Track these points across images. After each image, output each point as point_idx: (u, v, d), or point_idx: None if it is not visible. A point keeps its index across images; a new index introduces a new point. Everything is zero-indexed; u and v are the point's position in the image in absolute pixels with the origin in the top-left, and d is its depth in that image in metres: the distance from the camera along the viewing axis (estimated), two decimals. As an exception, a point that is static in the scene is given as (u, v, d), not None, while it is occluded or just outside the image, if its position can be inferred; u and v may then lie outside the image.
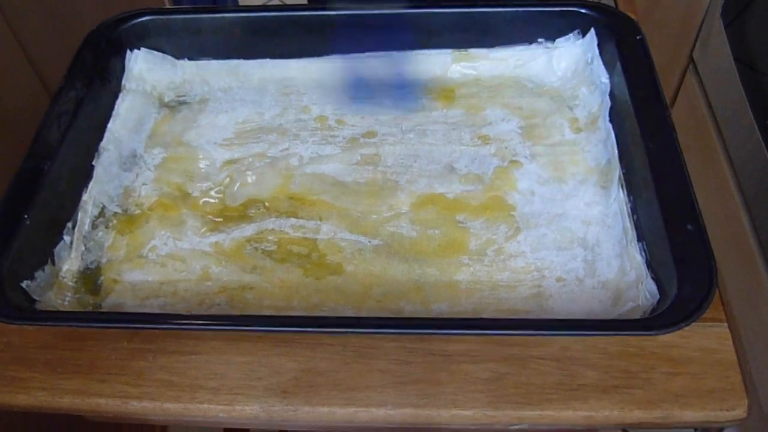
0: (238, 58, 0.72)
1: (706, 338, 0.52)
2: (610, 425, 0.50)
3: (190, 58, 0.73)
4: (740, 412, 0.49)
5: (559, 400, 0.50)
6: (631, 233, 0.56)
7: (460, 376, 0.51)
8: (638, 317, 0.51)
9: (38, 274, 0.55)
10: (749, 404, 0.49)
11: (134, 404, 0.52)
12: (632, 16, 0.68)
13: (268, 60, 0.72)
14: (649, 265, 0.53)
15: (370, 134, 0.67)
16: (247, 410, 0.51)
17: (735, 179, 1.00)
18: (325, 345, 0.54)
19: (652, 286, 0.52)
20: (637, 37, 0.65)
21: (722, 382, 0.50)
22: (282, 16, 0.70)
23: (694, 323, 0.49)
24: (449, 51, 0.71)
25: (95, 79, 0.67)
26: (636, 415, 0.49)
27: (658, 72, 0.62)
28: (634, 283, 0.54)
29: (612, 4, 0.77)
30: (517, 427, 0.52)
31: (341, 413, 0.51)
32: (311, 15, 0.70)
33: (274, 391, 0.51)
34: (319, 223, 0.60)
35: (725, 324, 0.53)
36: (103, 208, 0.62)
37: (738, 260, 0.96)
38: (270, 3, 1.77)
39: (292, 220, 0.61)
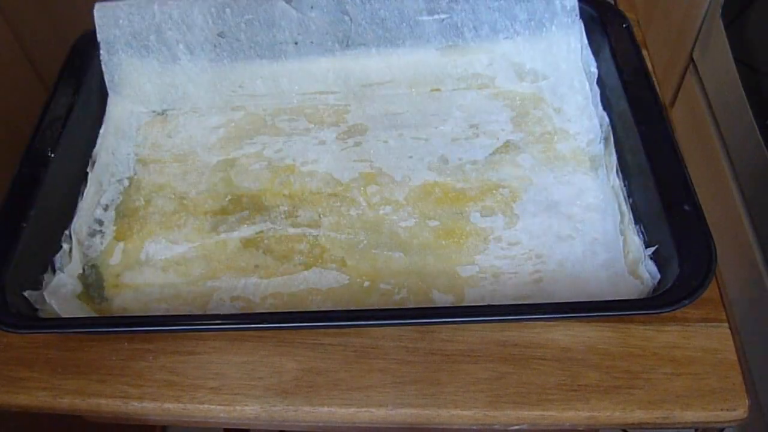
0: (229, 57, 0.71)
1: (707, 338, 0.52)
2: (611, 425, 0.50)
3: (178, 58, 0.70)
4: (741, 413, 0.49)
5: (560, 401, 0.49)
6: (628, 216, 0.56)
7: (461, 376, 0.51)
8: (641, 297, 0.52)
9: (39, 282, 0.55)
10: (750, 404, 0.49)
11: (134, 404, 0.51)
12: (619, 8, 0.69)
13: (258, 59, 0.71)
14: (648, 246, 0.54)
15: (363, 130, 0.67)
16: (248, 410, 0.51)
17: (735, 179, 1.00)
18: (325, 345, 0.53)
19: (652, 266, 0.52)
20: (624, 25, 0.66)
21: (723, 383, 0.50)
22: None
23: (696, 324, 0.49)
24: (437, 43, 0.70)
25: (85, 83, 0.66)
26: (637, 415, 0.49)
27: (658, 72, 0.62)
28: (634, 265, 0.54)
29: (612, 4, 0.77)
30: (517, 427, 0.52)
31: (341, 413, 0.51)
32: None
33: (274, 391, 0.51)
34: (318, 219, 0.61)
35: (726, 324, 0.53)
36: (100, 214, 0.62)
37: (738, 260, 0.96)
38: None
39: (292, 218, 0.61)
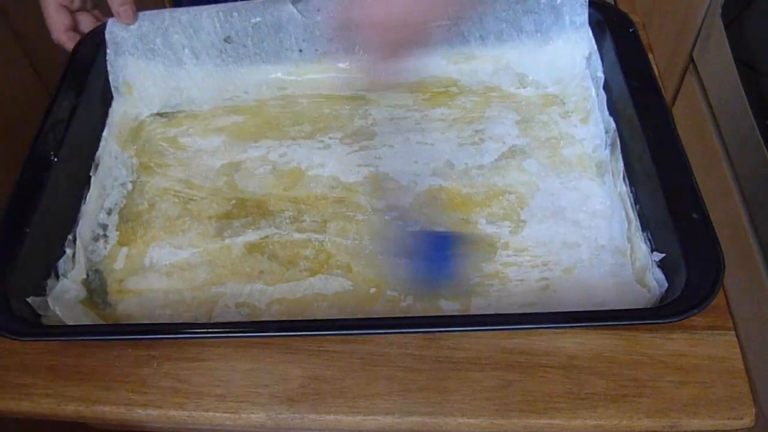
0: (234, 63, 0.70)
1: (714, 346, 0.52)
2: (617, 434, 0.50)
3: (184, 62, 0.70)
4: (748, 421, 0.49)
5: (566, 409, 0.49)
6: (635, 223, 0.56)
7: (467, 384, 0.51)
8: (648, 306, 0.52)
9: (42, 288, 0.55)
10: (757, 413, 0.49)
11: (139, 412, 0.51)
12: (625, 11, 0.68)
13: (263, 65, 0.71)
14: (655, 254, 0.54)
15: (369, 135, 0.67)
16: (253, 418, 0.51)
17: (735, 179, 1.00)
18: (331, 352, 0.53)
19: (660, 274, 0.52)
20: (630, 30, 0.66)
21: (730, 391, 0.50)
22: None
23: (703, 332, 0.49)
24: (444, 49, 0.70)
25: (87, 86, 0.66)
26: (644, 423, 0.49)
27: (659, 72, 0.62)
28: (641, 273, 0.54)
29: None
30: (522, 434, 0.52)
31: (347, 421, 0.50)
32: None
33: (280, 398, 0.51)
34: (323, 225, 0.60)
35: (733, 332, 0.53)
36: (104, 218, 0.62)
37: (738, 261, 0.96)
38: None
39: (297, 224, 0.60)
